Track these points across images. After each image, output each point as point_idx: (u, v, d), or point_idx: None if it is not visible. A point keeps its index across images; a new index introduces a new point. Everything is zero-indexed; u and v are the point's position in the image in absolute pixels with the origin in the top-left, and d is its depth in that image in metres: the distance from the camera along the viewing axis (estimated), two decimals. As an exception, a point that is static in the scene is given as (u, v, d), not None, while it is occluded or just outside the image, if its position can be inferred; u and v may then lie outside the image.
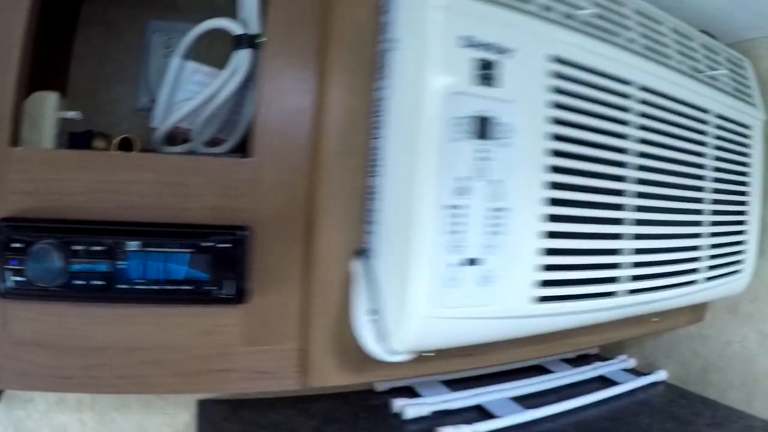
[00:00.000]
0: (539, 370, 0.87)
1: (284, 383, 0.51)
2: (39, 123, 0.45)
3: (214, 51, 0.57)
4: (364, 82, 0.49)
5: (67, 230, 0.42)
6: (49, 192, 0.43)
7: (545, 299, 0.46)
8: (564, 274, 0.47)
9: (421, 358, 0.54)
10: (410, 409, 0.66)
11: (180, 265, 0.45)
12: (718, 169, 0.67)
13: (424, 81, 0.40)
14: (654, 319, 0.77)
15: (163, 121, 0.55)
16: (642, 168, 0.54)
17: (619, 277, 0.53)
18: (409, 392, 0.73)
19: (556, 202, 0.46)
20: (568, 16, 0.48)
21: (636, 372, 0.88)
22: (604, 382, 0.83)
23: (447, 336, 0.44)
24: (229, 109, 0.56)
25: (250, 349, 0.50)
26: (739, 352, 0.85)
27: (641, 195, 0.54)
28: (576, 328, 0.64)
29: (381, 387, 0.75)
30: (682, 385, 0.85)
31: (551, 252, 0.46)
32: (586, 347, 0.72)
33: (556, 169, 0.46)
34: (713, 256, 0.67)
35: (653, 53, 0.56)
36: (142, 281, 0.44)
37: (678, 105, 0.59)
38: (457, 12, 0.40)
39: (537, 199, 0.44)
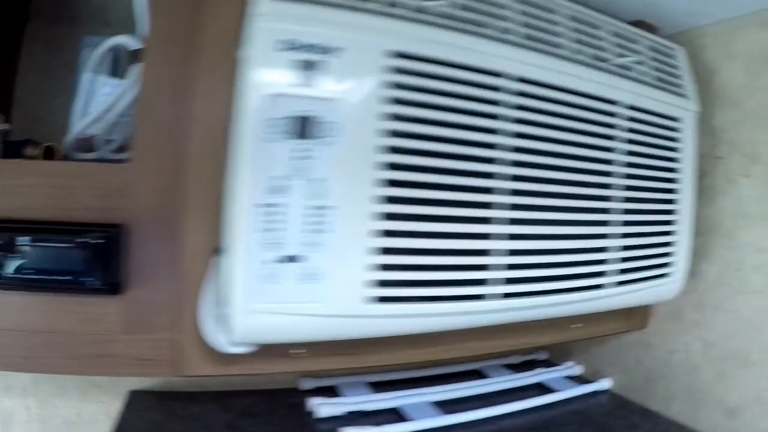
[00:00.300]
0: (477, 375, 0.86)
1: (160, 371, 0.55)
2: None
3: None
4: (227, 90, 0.52)
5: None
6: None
7: (383, 299, 0.46)
8: (408, 275, 0.47)
9: (291, 355, 0.56)
10: (324, 408, 0.67)
11: (61, 258, 0.50)
12: (631, 165, 0.63)
13: (244, 84, 0.42)
14: (575, 325, 0.74)
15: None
16: (519, 164, 0.52)
17: (487, 279, 0.52)
18: (331, 392, 0.74)
19: (392, 200, 0.46)
20: (420, 10, 0.48)
21: (582, 380, 0.85)
22: (543, 389, 0.80)
23: (275, 330, 0.45)
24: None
25: (129, 337, 0.54)
26: (684, 362, 0.79)
27: (516, 192, 0.52)
28: (473, 331, 0.64)
29: (306, 386, 0.77)
30: (626, 394, 0.81)
31: (387, 251, 0.46)
32: (486, 352, 0.70)
33: (394, 167, 0.46)
34: (626, 259, 0.63)
35: (537, 42, 0.54)
36: (31, 271, 0.50)
37: (572, 96, 0.56)
38: (276, 17, 0.42)
39: (369, 197, 0.45)
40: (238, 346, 0.48)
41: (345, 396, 0.73)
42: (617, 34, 0.63)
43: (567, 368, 0.87)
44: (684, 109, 0.69)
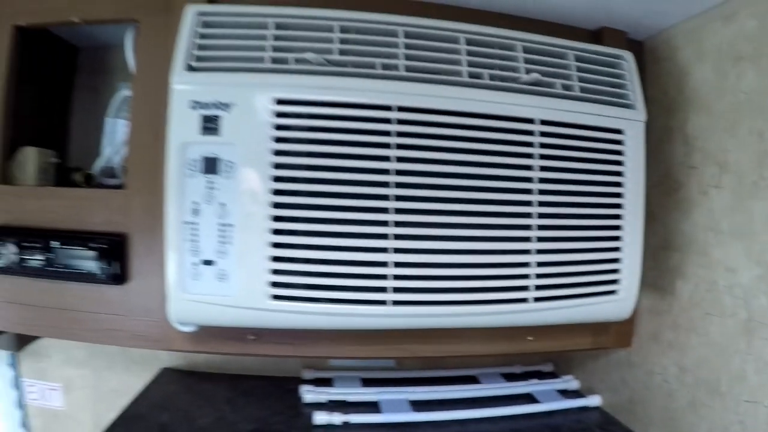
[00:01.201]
0: (472, 380, 0.91)
1: (151, 344, 0.73)
2: (24, 167, 0.77)
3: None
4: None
5: (21, 234, 0.71)
6: (17, 211, 0.73)
7: (279, 297, 0.57)
8: (300, 279, 0.57)
9: (246, 340, 0.70)
10: (309, 395, 0.81)
11: (82, 257, 0.71)
12: (553, 181, 0.63)
13: (169, 133, 0.57)
14: (528, 338, 0.75)
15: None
16: (403, 185, 0.58)
17: (375, 287, 0.58)
18: (326, 383, 0.87)
19: (280, 219, 0.56)
20: (300, 62, 0.58)
21: (575, 394, 0.85)
22: (530, 400, 0.83)
23: (199, 315, 0.59)
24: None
25: (129, 317, 0.73)
26: (660, 386, 0.75)
27: (401, 211, 0.58)
28: (409, 334, 0.71)
29: (306, 376, 0.91)
30: (614, 413, 0.79)
31: (280, 259, 0.57)
32: (425, 355, 0.75)
33: (281, 192, 0.56)
34: (545, 275, 0.63)
35: (421, 73, 0.59)
36: (59, 266, 0.71)
37: (470, 119, 0.60)
38: (188, 84, 0.56)
39: (262, 216, 0.56)
40: (182, 325, 0.63)
41: (336, 387, 0.85)
42: (530, 51, 0.64)
43: (563, 382, 0.88)
44: (627, 120, 0.66)
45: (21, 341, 0.93)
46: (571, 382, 0.88)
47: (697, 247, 0.71)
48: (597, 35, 0.79)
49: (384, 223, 0.58)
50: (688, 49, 0.73)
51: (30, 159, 0.77)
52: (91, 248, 0.70)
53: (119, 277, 0.71)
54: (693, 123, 0.72)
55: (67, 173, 0.86)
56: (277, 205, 0.57)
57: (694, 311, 0.70)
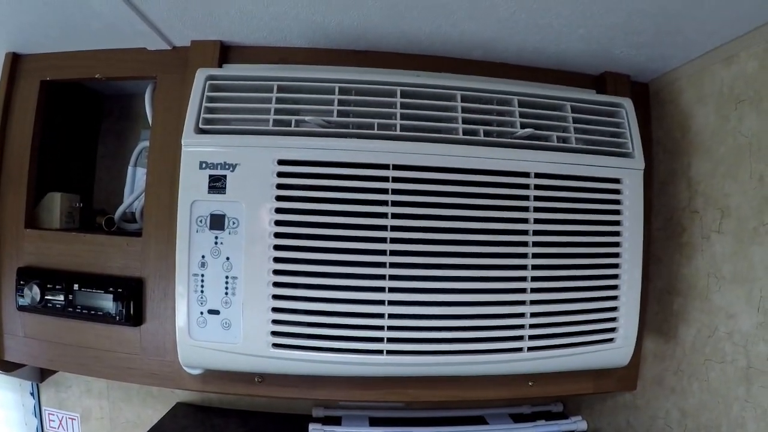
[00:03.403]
0: (479, 420, 0.92)
1: (164, 383, 0.76)
2: (51, 211, 0.82)
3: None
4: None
5: (45, 275, 0.76)
6: (42, 254, 0.78)
7: (280, 346, 0.60)
8: (299, 329, 0.59)
9: (254, 382, 0.72)
10: None
11: (101, 299, 0.75)
12: (549, 233, 0.63)
13: (180, 192, 0.61)
14: (529, 383, 0.76)
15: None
16: (398, 240, 0.60)
17: (370, 337, 0.60)
18: (335, 421, 0.88)
19: (281, 273, 0.59)
20: (301, 123, 0.61)
21: None
22: None
23: (206, 360, 0.62)
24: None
25: (145, 357, 0.76)
26: (663, 430, 0.74)
27: (396, 265, 0.60)
28: (413, 380, 0.72)
29: (316, 414, 0.93)
30: None
31: (280, 310, 0.60)
32: (427, 399, 0.75)
33: (282, 248, 0.59)
34: (539, 325, 0.64)
35: (420, 132, 0.61)
36: (80, 307, 0.75)
37: (462, 175, 0.61)
38: (197, 146, 0.60)
39: (263, 270, 0.59)
40: (190, 369, 0.67)
41: (342, 426, 0.86)
42: (526, 104, 0.65)
43: (571, 423, 0.87)
44: (626, 169, 0.67)
45: (43, 372, 0.99)
46: (579, 423, 0.86)
47: (698, 292, 0.70)
48: (600, 80, 0.80)
49: (380, 277, 0.60)
50: (690, 91, 0.73)
51: (56, 204, 0.83)
52: (109, 291, 0.75)
53: (135, 319, 0.75)
54: (695, 166, 0.72)
55: (93, 215, 0.91)
56: (277, 260, 0.59)
57: (696, 356, 0.70)
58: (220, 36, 0.73)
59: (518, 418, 0.93)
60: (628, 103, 0.69)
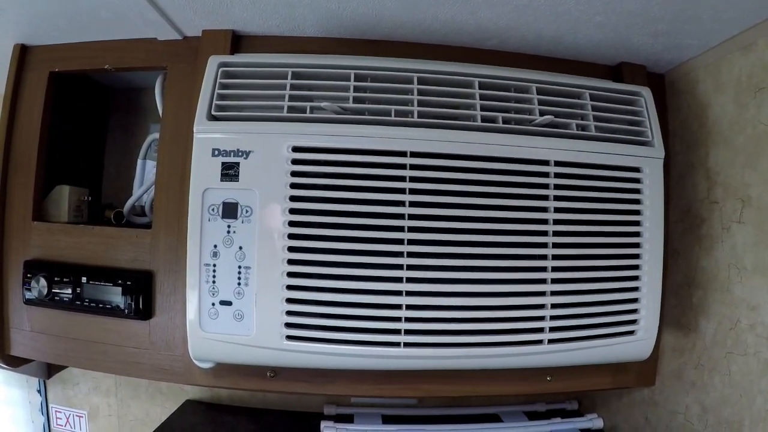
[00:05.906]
0: (495, 419, 0.91)
1: (174, 378, 0.75)
2: (59, 204, 0.81)
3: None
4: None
5: (52, 269, 0.75)
6: (49, 246, 0.77)
7: (293, 338, 0.58)
8: (312, 320, 0.58)
9: (266, 377, 0.71)
10: (329, 431, 0.80)
11: (110, 292, 0.74)
12: (570, 222, 0.62)
13: (192, 180, 0.59)
14: (547, 378, 0.74)
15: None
16: (416, 229, 0.59)
17: (386, 329, 0.59)
18: (347, 419, 0.87)
19: (295, 262, 0.58)
20: (316, 109, 0.60)
21: None
22: None
23: (220, 353, 0.60)
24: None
25: (154, 351, 0.75)
26: (683, 426, 0.73)
27: (413, 254, 0.59)
28: (425, 374, 0.71)
29: (328, 411, 0.91)
30: None
31: (294, 301, 0.58)
32: (442, 395, 0.74)
33: (296, 237, 0.58)
34: (559, 317, 0.62)
35: (438, 119, 0.60)
36: (88, 300, 0.74)
37: (481, 163, 0.60)
38: (209, 133, 0.59)
39: (277, 260, 0.58)
40: (200, 362, 0.65)
41: (356, 424, 0.84)
42: (544, 92, 0.64)
43: (587, 420, 0.85)
44: (646, 158, 0.65)
45: (51, 369, 0.97)
46: (595, 421, 0.85)
47: (719, 284, 0.69)
48: (616, 70, 0.79)
49: (397, 267, 0.58)
50: (707, 81, 0.72)
51: (64, 197, 0.82)
52: (118, 284, 0.74)
53: (144, 313, 0.74)
54: (714, 157, 0.71)
55: (101, 210, 0.90)
56: (292, 249, 0.58)
57: (717, 350, 0.68)
58: (232, 25, 0.72)
59: (533, 416, 0.92)
60: (646, 92, 0.68)
